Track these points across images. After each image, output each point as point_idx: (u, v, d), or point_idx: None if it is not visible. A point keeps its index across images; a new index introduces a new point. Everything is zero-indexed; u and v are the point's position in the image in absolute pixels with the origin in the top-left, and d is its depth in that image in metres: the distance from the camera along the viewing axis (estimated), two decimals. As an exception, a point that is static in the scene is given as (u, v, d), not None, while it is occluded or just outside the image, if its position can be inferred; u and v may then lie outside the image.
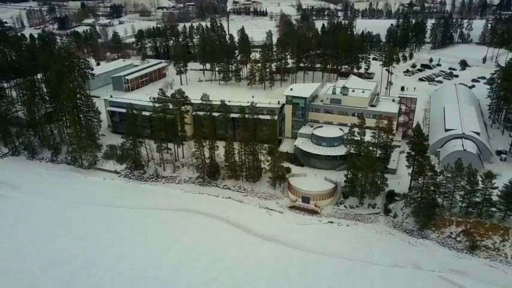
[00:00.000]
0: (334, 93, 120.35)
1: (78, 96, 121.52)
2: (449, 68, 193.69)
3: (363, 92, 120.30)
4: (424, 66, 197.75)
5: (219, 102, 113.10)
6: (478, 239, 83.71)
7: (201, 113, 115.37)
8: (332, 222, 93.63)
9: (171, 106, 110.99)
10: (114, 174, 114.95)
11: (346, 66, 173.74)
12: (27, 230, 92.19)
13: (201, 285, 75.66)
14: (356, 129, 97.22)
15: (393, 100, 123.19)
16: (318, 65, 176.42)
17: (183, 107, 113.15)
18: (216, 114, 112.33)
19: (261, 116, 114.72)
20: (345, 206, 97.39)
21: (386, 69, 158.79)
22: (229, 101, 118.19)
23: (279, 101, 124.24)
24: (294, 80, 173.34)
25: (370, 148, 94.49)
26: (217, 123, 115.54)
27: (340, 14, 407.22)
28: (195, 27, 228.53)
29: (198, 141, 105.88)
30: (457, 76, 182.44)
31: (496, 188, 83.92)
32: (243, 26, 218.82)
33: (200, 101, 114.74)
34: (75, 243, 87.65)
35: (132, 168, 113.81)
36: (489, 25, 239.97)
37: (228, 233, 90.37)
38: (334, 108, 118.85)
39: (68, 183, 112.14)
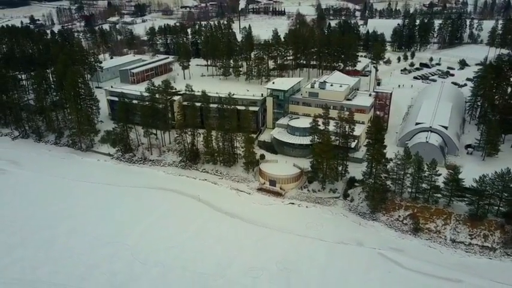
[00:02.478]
0: (312, 87, 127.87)
1: (79, 85, 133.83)
2: (448, 67, 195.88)
3: (340, 86, 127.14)
4: (423, 65, 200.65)
5: (213, 95, 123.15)
6: (423, 222, 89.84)
7: (185, 103, 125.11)
8: (293, 203, 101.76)
9: (157, 95, 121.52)
10: (107, 157, 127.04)
11: (341, 64, 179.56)
12: (23, 200, 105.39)
13: (162, 251, 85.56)
14: (321, 120, 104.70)
15: (370, 95, 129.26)
16: (313, 62, 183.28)
17: (169, 97, 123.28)
18: (198, 104, 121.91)
19: (243, 107, 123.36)
20: (308, 190, 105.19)
21: (374, 67, 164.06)
22: (216, 93, 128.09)
23: (262, 94, 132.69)
24: (291, 76, 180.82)
25: (332, 137, 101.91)
26: (206, 113, 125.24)
27: (357, 13, 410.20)
28: (203, 26, 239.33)
29: (179, 128, 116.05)
30: (452, 75, 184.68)
31: (440, 175, 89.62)
32: (249, 25, 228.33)
33: (189, 92, 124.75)
34: (62, 212, 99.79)
35: (123, 152, 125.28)
36: (499, 26, 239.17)
37: (196, 210, 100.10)
38: (311, 101, 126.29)
39: (66, 163, 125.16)
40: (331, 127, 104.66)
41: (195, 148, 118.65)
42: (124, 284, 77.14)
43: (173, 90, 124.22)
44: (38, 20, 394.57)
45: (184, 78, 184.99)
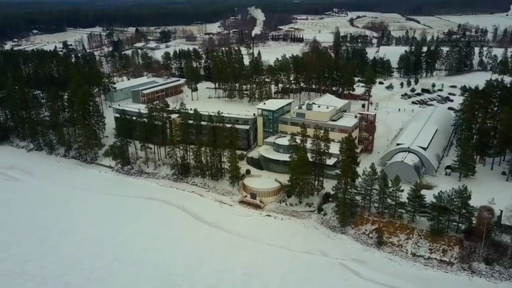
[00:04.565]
0: (300, 108, 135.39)
1: (89, 103, 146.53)
2: (449, 93, 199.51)
3: (327, 108, 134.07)
4: (424, 91, 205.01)
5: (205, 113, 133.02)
6: (387, 236, 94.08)
7: (177, 119, 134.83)
8: (270, 215, 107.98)
9: (155, 113, 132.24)
10: (108, 169, 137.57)
11: (340, 88, 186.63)
12: (27, 204, 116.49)
13: (140, 253, 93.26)
14: (298, 138, 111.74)
15: (355, 116, 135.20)
16: (313, 86, 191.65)
17: (165, 115, 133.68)
18: (191, 121, 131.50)
19: (235, 126, 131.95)
20: (285, 204, 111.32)
21: (366, 90, 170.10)
22: (212, 112, 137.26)
23: (254, 114, 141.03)
24: (293, 98, 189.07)
25: (308, 154, 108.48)
26: (198, 130, 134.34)
27: (374, 41, 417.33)
28: (214, 52, 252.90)
29: (172, 144, 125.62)
30: (452, 101, 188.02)
31: (402, 191, 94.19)
32: (259, 51, 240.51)
33: (183, 111, 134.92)
34: (59, 216, 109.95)
35: (122, 164, 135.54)
36: (508, 53, 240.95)
37: (179, 218, 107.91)
38: (298, 121, 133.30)
39: (71, 173, 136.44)
40: (309, 145, 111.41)
41: (186, 162, 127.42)
42: (101, 279, 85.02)
43: (169, 109, 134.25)
44: (71, 44, 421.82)
45: (192, 100, 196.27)
